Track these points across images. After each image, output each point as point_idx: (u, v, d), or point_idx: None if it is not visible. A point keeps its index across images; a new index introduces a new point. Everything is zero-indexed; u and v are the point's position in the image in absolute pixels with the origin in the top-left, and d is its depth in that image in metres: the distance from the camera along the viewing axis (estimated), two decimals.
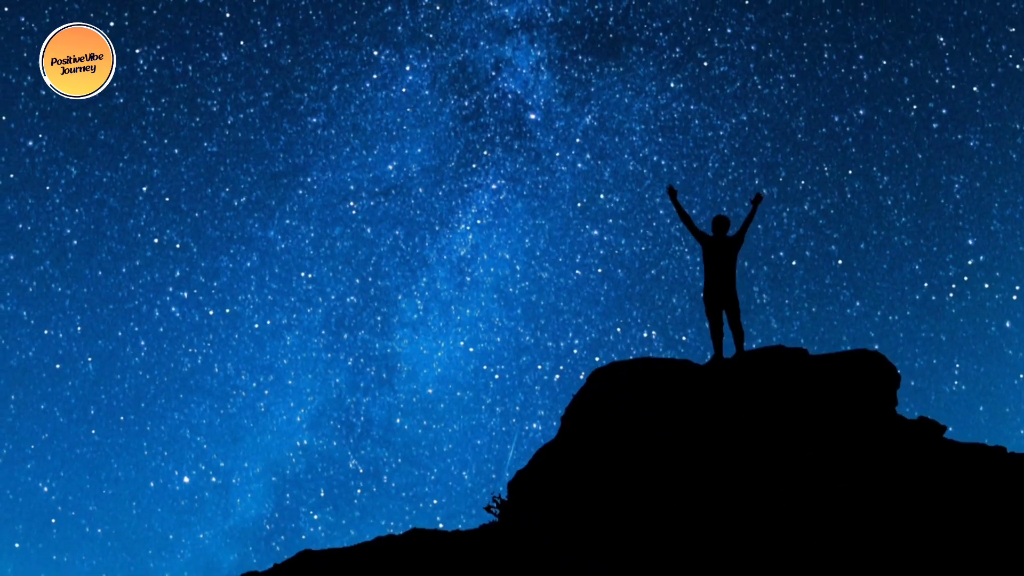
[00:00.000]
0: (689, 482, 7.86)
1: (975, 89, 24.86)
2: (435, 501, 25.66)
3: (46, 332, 25.55)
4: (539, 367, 26.23)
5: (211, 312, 25.82)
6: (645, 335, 26.04)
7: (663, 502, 7.70)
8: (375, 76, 25.43)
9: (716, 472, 7.92)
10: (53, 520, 25.60)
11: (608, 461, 8.21)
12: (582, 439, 8.63)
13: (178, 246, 25.60)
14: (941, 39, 25.08)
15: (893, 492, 7.75)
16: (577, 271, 25.96)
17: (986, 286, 25.40)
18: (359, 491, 25.75)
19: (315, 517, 25.72)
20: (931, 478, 7.99)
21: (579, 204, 25.79)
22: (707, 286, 10.25)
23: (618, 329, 25.76)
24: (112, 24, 24.72)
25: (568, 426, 9.13)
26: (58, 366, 25.69)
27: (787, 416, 8.52)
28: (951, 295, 25.55)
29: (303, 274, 25.65)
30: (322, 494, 25.80)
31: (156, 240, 25.49)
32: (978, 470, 8.20)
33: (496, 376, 25.90)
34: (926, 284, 25.68)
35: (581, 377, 26.44)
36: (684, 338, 26.04)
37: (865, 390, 8.97)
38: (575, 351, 25.84)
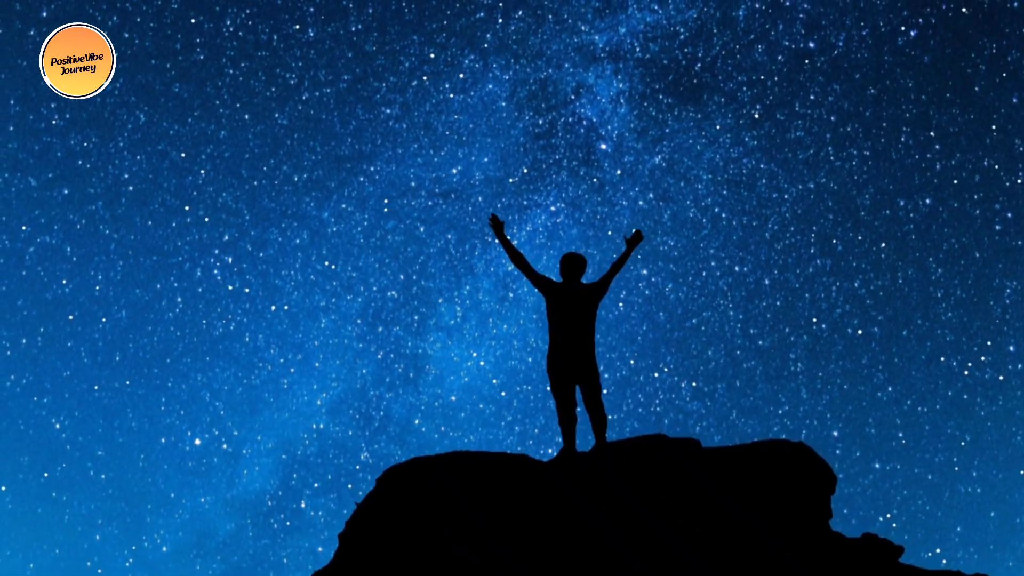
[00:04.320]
0: None
1: None
2: None
3: (86, 271, 25.55)
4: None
5: (251, 281, 25.81)
6: (673, 381, 26.01)
7: None
8: (456, 78, 25.42)
9: None
10: (59, 458, 25.60)
11: None
12: (365, 567, 6.44)
13: (219, 212, 25.59)
14: (1019, 144, 25.08)
15: None
16: (620, 305, 25.94)
17: (1019, 394, 25.39)
18: (365, 484, 25.73)
19: (311, 503, 25.70)
20: None
21: None
22: (553, 351, 7.61)
23: (652, 373, 25.74)
24: None
25: (348, 548, 6.88)
26: (91, 308, 25.68)
27: (661, 538, 6.34)
28: (983, 397, 25.54)
29: (327, 264, 25.58)
30: (321, 481, 25.78)
31: (210, 201, 25.48)
32: None
33: (521, 396, 25.87)
34: (960, 382, 25.67)
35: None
36: (711, 390, 26.04)
37: (782, 498, 6.72)
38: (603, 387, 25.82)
